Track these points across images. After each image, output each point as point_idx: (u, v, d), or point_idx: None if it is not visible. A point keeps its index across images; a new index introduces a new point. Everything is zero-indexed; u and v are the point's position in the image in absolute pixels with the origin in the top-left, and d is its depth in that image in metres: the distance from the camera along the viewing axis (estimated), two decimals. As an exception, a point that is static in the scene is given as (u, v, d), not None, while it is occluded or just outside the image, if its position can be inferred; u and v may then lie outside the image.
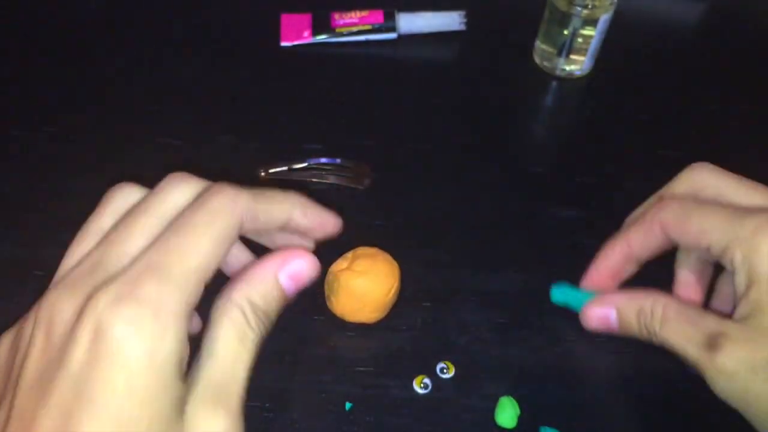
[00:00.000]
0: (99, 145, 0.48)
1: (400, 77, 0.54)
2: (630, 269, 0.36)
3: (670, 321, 0.30)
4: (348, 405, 0.37)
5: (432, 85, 0.54)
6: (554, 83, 0.54)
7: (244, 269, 0.26)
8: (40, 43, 0.55)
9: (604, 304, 0.34)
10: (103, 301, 0.21)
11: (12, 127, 0.49)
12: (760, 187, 0.33)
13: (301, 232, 0.28)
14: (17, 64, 0.54)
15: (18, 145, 0.48)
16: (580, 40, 0.51)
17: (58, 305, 0.22)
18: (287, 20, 0.56)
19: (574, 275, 0.39)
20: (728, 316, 0.30)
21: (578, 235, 0.44)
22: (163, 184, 0.25)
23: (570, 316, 0.38)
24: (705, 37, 0.59)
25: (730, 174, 0.33)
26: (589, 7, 0.49)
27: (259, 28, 0.56)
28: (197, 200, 0.24)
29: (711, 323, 0.29)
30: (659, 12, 0.60)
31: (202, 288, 0.23)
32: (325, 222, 0.28)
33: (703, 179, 0.33)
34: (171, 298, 0.21)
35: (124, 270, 0.22)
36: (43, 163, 0.47)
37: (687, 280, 0.36)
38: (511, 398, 0.37)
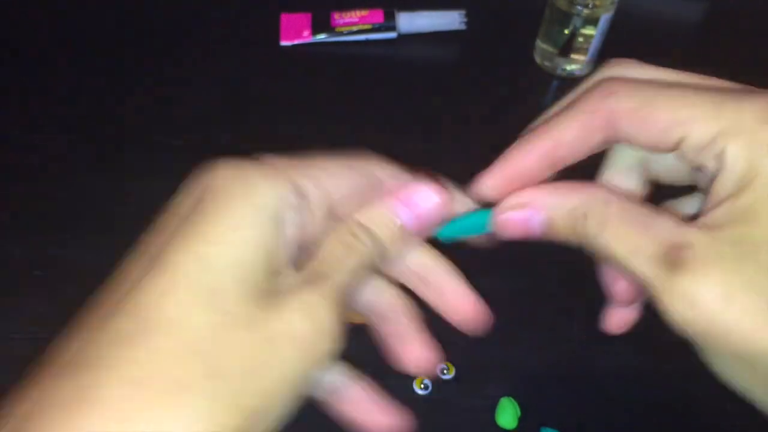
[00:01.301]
0: (99, 145, 0.48)
1: (400, 77, 0.54)
2: (545, 177, 0.27)
3: (613, 225, 0.24)
4: (348, 405, 0.37)
5: (432, 85, 0.53)
6: (555, 83, 0.54)
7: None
8: (40, 45, 0.55)
9: (527, 207, 0.26)
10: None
11: (13, 128, 0.49)
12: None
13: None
14: (17, 65, 0.54)
15: (18, 145, 0.48)
16: (580, 39, 0.51)
17: None
18: (287, 20, 0.56)
19: (577, 274, 0.39)
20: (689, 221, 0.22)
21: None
22: None
23: (572, 316, 0.38)
24: (706, 36, 0.59)
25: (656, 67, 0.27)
26: (590, 6, 0.49)
27: (259, 28, 0.56)
28: None
29: (669, 230, 0.22)
30: (660, 11, 0.60)
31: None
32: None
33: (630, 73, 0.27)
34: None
35: None
36: (43, 163, 0.47)
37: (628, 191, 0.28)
38: (512, 399, 0.37)
